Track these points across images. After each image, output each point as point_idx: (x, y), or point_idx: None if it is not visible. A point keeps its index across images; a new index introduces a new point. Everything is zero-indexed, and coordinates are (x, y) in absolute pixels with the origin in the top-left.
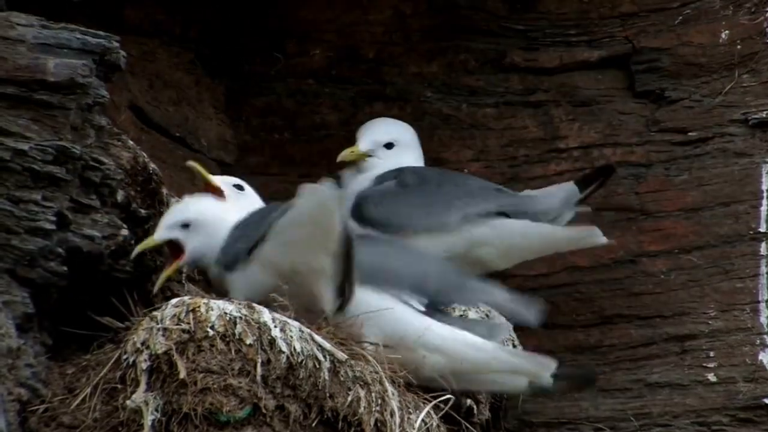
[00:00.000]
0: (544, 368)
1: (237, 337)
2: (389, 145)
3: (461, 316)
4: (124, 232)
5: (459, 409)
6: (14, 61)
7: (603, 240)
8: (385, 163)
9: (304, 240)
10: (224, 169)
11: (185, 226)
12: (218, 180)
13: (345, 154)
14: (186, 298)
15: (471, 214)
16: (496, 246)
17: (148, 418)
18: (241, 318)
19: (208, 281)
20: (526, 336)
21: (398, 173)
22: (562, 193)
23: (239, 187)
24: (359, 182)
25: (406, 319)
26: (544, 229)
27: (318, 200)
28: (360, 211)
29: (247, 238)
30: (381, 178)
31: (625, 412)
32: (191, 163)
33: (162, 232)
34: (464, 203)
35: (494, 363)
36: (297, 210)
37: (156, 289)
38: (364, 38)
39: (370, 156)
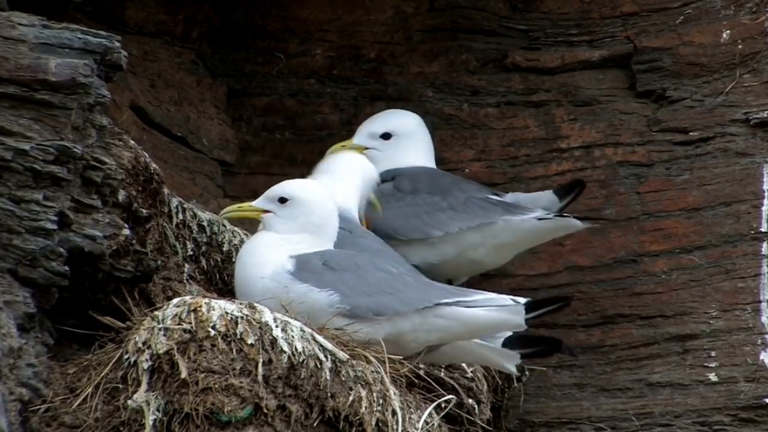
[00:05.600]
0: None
1: (238, 336)
2: (386, 136)
3: None
4: (126, 231)
5: (461, 409)
6: (16, 60)
7: (580, 225)
8: (386, 154)
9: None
10: (225, 169)
11: None
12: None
13: (334, 148)
14: (187, 297)
15: (452, 231)
16: (486, 245)
17: (150, 418)
18: (242, 318)
19: (210, 280)
20: None
21: (396, 175)
22: (544, 199)
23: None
24: None
25: None
26: (526, 224)
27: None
28: None
29: None
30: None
31: (626, 411)
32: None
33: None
34: (448, 217)
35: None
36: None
37: None
38: (366, 38)
39: (366, 148)
